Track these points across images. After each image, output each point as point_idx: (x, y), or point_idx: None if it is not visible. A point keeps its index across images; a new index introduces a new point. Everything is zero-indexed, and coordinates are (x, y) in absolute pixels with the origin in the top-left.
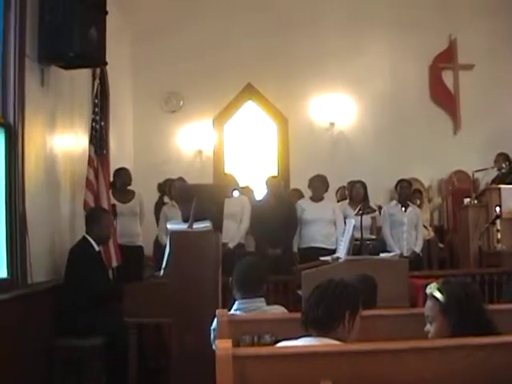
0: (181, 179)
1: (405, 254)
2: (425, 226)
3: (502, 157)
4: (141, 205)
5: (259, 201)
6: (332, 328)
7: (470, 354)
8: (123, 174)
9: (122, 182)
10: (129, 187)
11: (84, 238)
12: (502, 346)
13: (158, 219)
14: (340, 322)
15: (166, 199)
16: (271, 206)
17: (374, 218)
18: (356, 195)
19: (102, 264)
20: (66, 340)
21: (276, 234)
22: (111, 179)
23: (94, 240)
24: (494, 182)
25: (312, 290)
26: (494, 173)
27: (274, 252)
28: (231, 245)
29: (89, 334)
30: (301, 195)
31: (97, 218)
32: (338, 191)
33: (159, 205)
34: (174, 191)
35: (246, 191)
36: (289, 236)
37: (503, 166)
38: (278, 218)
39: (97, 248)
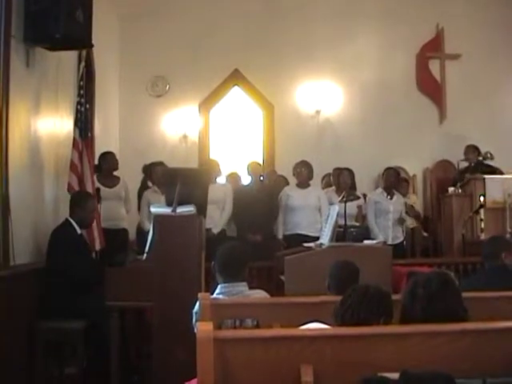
0: (161, 164)
1: (389, 243)
2: (408, 214)
3: (472, 148)
4: (126, 191)
5: (243, 186)
6: None
7: (452, 340)
8: (110, 159)
9: (108, 167)
10: (115, 172)
11: (67, 220)
12: (485, 333)
13: (139, 202)
14: None
15: (149, 183)
16: (253, 192)
17: (359, 207)
18: (343, 183)
19: (84, 247)
20: (48, 323)
21: (257, 220)
22: (96, 162)
23: (77, 223)
24: (464, 172)
25: (349, 291)
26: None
27: (253, 238)
28: (215, 231)
29: (70, 317)
30: (286, 182)
31: (81, 201)
32: (323, 179)
33: (143, 188)
34: (156, 176)
35: (233, 177)
36: (270, 222)
37: (488, 155)
38: (260, 204)
39: (79, 231)
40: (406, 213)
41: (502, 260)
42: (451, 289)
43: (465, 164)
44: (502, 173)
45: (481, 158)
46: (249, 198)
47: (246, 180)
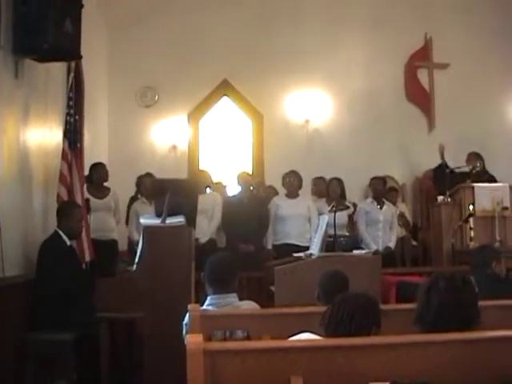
0: (149, 175)
1: (380, 249)
2: (399, 224)
3: (474, 156)
4: (116, 202)
5: (232, 196)
6: None
7: (443, 350)
8: (100, 170)
9: (98, 178)
10: (105, 183)
11: (56, 232)
12: (476, 342)
13: (128, 213)
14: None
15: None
16: (244, 202)
17: (349, 216)
18: (332, 193)
19: (74, 258)
20: (38, 335)
21: (248, 230)
22: (85, 173)
23: (66, 234)
24: (465, 178)
25: (338, 301)
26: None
27: (246, 248)
28: (203, 240)
29: (61, 328)
30: (275, 192)
31: (67, 212)
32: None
33: (133, 199)
34: (144, 187)
35: (219, 187)
36: (261, 233)
37: (477, 164)
38: (251, 214)
39: (68, 242)
40: (399, 224)
41: (492, 269)
42: (470, 290)
43: (465, 169)
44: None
45: (471, 167)
46: (239, 208)
47: (232, 190)
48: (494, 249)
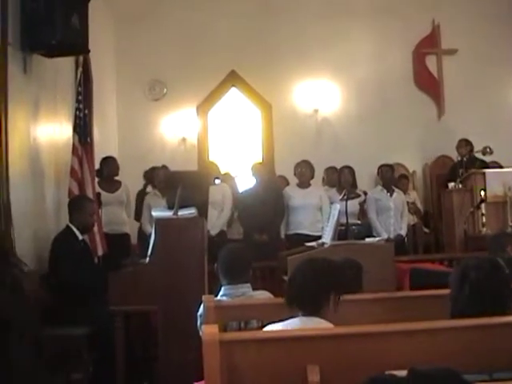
0: (164, 167)
1: (391, 237)
2: (410, 212)
3: (463, 142)
4: (127, 195)
5: (248, 189)
6: (318, 309)
7: (458, 336)
8: (111, 164)
9: (109, 172)
10: (116, 177)
11: (67, 226)
12: (491, 327)
13: (137, 207)
14: (325, 303)
15: (148, 188)
16: (259, 192)
17: (361, 204)
18: (344, 181)
19: (86, 253)
20: (52, 330)
21: (264, 220)
22: (96, 167)
23: (77, 228)
24: (457, 167)
25: (295, 269)
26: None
27: (260, 238)
28: (213, 232)
29: (75, 323)
30: (287, 182)
31: (78, 206)
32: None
33: (141, 193)
34: (158, 180)
35: (227, 178)
36: (276, 223)
37: (487, 150)
38: (266, 204)
39: (80, 237)
40: (410, 211)
41: (508, 253)
42: (501, 274)
43: (458, 159)
44: (501, 166)
45: (478, 152)
46: (255, 200)
47: (242, 180)
48: (508, 233)
